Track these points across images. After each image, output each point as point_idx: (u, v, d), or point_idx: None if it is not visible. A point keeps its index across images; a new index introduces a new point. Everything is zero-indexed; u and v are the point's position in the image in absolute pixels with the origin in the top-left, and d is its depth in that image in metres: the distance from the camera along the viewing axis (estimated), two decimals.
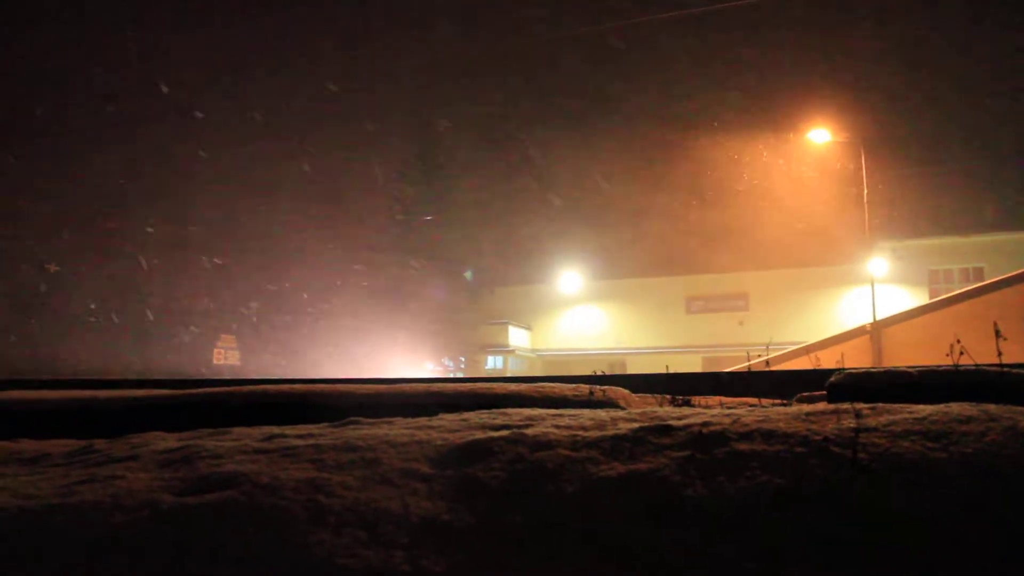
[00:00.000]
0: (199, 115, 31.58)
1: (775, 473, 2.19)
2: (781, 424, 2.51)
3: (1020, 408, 2.55)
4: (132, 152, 30.66)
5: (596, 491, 2.22)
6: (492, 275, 39.65)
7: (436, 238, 37.02)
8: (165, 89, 31.11)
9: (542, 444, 2.50)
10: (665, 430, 2.54)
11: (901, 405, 2.75)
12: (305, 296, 34.86)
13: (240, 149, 33.31)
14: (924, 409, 2.60)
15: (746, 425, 2.52)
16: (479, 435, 2.65)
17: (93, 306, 28.36)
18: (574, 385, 4.45)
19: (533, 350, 39.12)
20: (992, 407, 2.56)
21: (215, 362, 32.18)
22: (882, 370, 4.10)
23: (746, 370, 6.15)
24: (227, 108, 34.02)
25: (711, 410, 3.25)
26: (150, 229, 29.97)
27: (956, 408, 2.58)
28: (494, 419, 3.02)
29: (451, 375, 35.10)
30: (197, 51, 33.22)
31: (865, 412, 2.63)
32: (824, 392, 4.05)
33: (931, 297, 27.55)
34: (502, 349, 37.93)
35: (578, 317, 38.67)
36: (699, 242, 34.43)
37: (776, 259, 33.49)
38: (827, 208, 31.21)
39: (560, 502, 2.19)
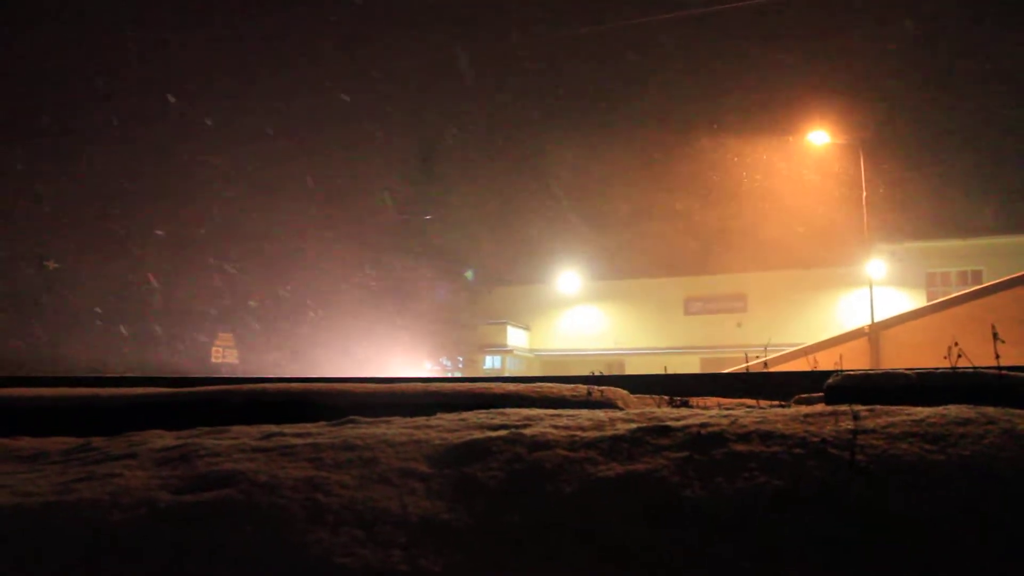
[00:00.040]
0: (208, 123, 31.57)
1: (773, 474, 2.19)
2: (779, 425, 2.52)
3: (1018, 411, 2.55)
4: (132, 151, 30.67)
5: (594, 491, 2.22)
6: (491, 275, 39.67)
7: (435, 238, 37.04)
8: (168, 92, 31.11)
9: (540, 444, 2.50)
10: (663, 431, 2.54)
11: (899, 407, 2.75)
12: (303, 294, 34.84)
13: (240, 148, 33.31)
14: (922, 411, 2.60)
15: (744, 426, 2.52)
16: (477, 435, 2.65)
17: (100, 310, 28.36)
18: (572, 385, 4.45)
19: (531, 350, 39.12)
20: (990, 410, 2.57)
21: (213, 360, 32.17)
22: (880, 372, 4.10)
23: (744, 371, 6.16)
24: (227, 108, 34.02)
25: (709, 411, 3.25)
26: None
27: (954, 410, 2.58)
28: (492, 419, 3.02)
29: (449, 375, 35.09)
30: (198, 51, 33.24)
31: (863, 414, 2.63)
32: (822, 394, 4.06)
33: (929, 300, 27.58)
34: (500, 349, 37.93)
35: (576, 317, 38.68)
36: (698, 243, 34.47)
37: (775, 261, 33.50)
38: (826, 210, 31.23)
39: (558, 502, 2.19)
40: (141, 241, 30.16)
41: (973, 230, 31.27)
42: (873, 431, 2.40)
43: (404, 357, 34.83)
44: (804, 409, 2.97)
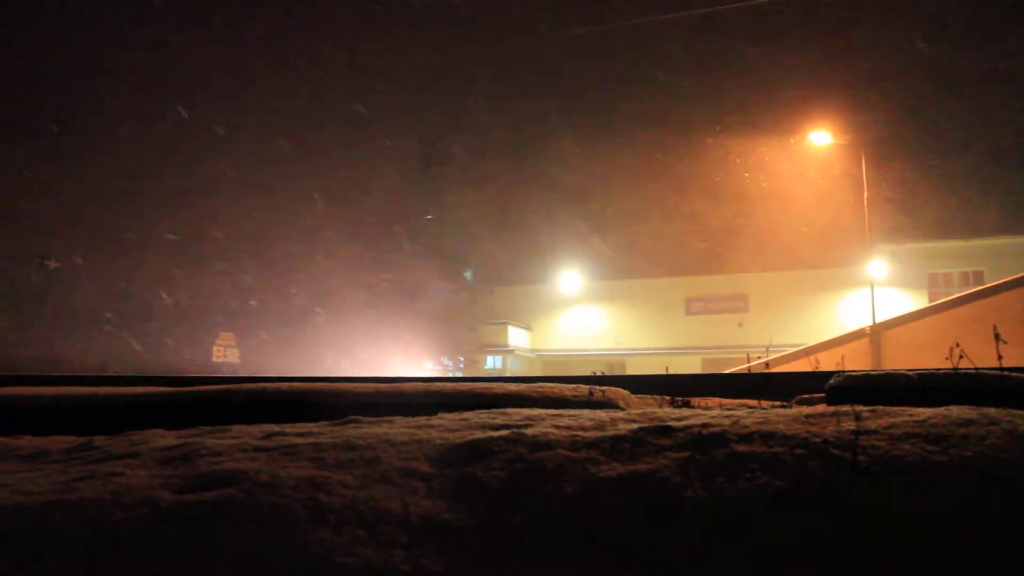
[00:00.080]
0: (210, 122, 31.59)
1: (775, 475, 2.19)
2: (781, 426, 2.51)
3: (1020, 412, 2.55)
4: (134, 150, 30.68)
5: (596, 491, 2.22)
6: (492, 275, 39.68)
7: (436, 238, 37.05)
8: (171, 92, 31.15)
9: (542, 444, 2.50)
10: (665, 431, 2.54)
11: (901, 408, 2.75)
12: (303, 294, 34.85)
13: (241, 148, 33.33)
14: (924, 412, 2.60)
15: (746, 427, 2.52)
16: (479, 435, 2.65)
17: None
18: (573, 385, 4.45)
19: (532, 350, 39.13)
20: (992, 411, 2.56)
21: (214, 359, 32.20)
22: (882, 373, 4.10)
23: (746, 372, 6.16)
24: (227, 108, 34.04)
25: (711, 411, 3.25)
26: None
27: (956, 411, 2.58)
28: (494, 419, 3.02)
29: (450, 375, 35.10)
30: (201, 51, 33.26)
31: (865, 415, 2.63)
32: (824, 394, 4.06)
33: (931, 300, 27.57)
34: (501, 349, 37.94)
35: (578, 317, 38.69)
36: (699, 243, 34.47)
37: (776, 261, 33.51)
38: (827, 210, 31.23)
39: (560, 502, 2.19)
40: (142, 240, 30.18)
41: (975, 231, 31.27)
42: (875, 432, 2.39)
43: (405, 357, 34.85)
44: (806, 410, 2.97)
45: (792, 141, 32.58)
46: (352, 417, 3.30)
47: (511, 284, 39.71)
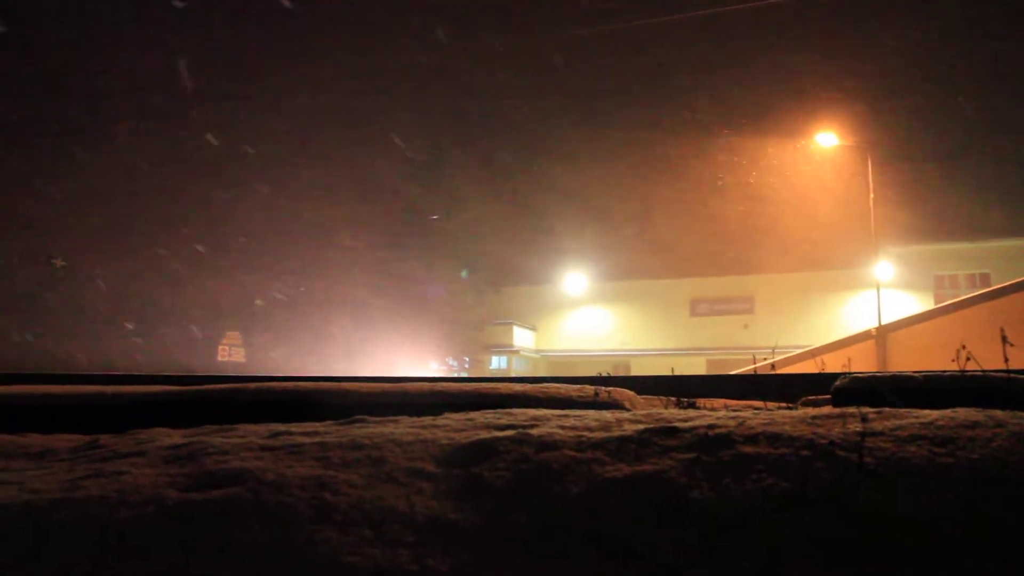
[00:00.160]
0: (213, 123, 31.66)
1: (781, 476, 2.18)
2: (787, 427, 2.51)
3: None
4: (137, 149, 30.76)
5: (601, 492, 2.22)
6: (497, 275, 39.68)
7: (442, 239, 37.06)
8: (174, 92, 31.22)
9: (547, 444, 2.50)
10: (671, 432, 2.54)
11: (907, 410, 2.74)
12: (310, 294, 34.90)
13: (245, 148, 33.38)
14: (930, 414, 2.59)
15: (752, 428, 2.51)
16: (484, 435, 2.65)
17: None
18: (579, 386, 4.45)
19: (538, 351, 39.12)
20: (999, 413, 2.55)
21: (220, 359, 32.27)
22: (888, 375, 4.09)
23: (752, 373, 6.15)
24: (231, 108, 34.10)
25: (716, 412, 3.24)
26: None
27: (963, 413, 2.57)
28: (499, 419, 3.02)
29: (455, 375, 35.11)
30: (205, 51, 33.31)
31: (871, 416, 2.62)
32: (829, 396, 4.05)
33: (937, 302, 27.50)
34: (507, 349, 37.95)
35: (583, 318, 38.67)
36: (705, 245, 34.42)
37: (782, 263, 33.44)
38: (833, 212, 31.16)
39: (565, 502, 2.19)
40: (149, 240, 30.26)
41: (981, 233, 31.17)
42: (881, 433, 2.39)
43: (410, 357, 34.88)
44: (812, 411, 2.97)
45: (798, 143, 32.52)
46: (358, 417, 3.31)
47: (517, 285, 39.72)
